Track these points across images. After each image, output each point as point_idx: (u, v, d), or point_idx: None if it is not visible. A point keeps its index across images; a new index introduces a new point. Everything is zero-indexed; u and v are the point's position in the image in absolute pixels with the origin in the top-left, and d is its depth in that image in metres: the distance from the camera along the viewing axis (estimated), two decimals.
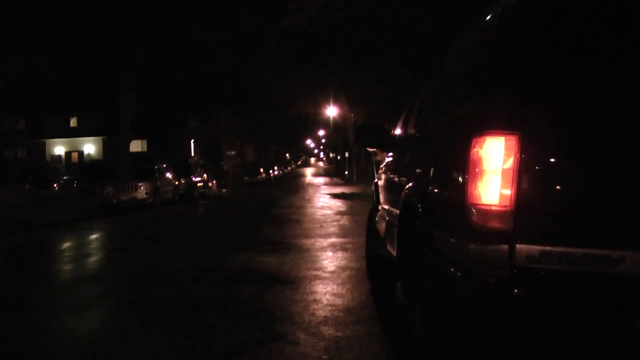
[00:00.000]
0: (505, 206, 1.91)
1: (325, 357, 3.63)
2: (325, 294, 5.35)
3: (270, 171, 52.25)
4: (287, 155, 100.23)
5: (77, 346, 4.02)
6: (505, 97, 1.99)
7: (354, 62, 22.23)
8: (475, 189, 1.98)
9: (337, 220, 12.08)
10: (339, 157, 54.68)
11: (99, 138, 43.34)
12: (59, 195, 25.06)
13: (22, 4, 18.36)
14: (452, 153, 2.24)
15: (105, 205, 18.07)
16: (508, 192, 1.90)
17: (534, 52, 2.02)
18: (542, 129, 1.93)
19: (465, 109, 2.28)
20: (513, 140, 1.89)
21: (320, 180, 46.00)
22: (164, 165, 21.06)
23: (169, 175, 20.81)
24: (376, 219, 4.98)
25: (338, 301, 5.07)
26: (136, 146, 37.29)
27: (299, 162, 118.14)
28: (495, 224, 1.93)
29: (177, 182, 21.21)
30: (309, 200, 19.62)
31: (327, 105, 39.87)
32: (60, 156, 44.80)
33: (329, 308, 4.82)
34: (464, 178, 2.05)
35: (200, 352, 3.77)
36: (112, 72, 22.85)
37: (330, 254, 7.71)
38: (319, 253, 7.79)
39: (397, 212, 3.33)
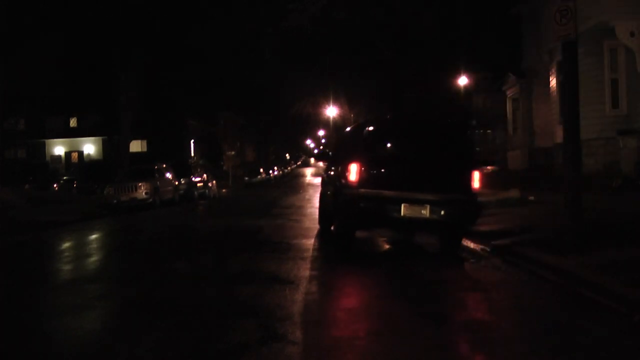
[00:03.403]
0: (356, 180, 7.13)
1: (325, 357, 3.64)
2: (325, 294, 5.36)
3: (270, 171, 52.29)
4: (287, 155, 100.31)
5: (78, 346, 4.03)
6: (358, 155, 7.39)
7: (354, 62, 22.23)
8: (349, 176, 7.19)
9: None
10: None
11: (99, 138, 43.41)
12: (59, 195, 25.08)
13: (23, 3, 18.37)
14: (345, 166, 7.37)
15: (105, 205, 18.05)
16: (357, 177, 7.13)
17: (367, 145, 7.59)
18: (365, 162, 7.24)
19: (349, 154, 7.73)
20: (358, 164, 7.19)
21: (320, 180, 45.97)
22: (164, 165, 21.02)
23: (168, 175, 20.78)
24: (325, 192, 9.81)
25: (338, 301, 5.08)
26: (136, 146, 37.33)
27: (299, 162, 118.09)
28: (354, 184, 7.12)
29: (177, 182, 21.17)
30: (309, 200, 19.61)
31: (327, 105, 39.92)
32: (60, 156, 44.87)
33: (329, 308, 4.83)
34: (348, 173, 7.23)
35: (201, 352, 3.78)
36: (113, 72, 22.87)
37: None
38: (319, 253, 7.81)
39: (333, 186, 8.46)
